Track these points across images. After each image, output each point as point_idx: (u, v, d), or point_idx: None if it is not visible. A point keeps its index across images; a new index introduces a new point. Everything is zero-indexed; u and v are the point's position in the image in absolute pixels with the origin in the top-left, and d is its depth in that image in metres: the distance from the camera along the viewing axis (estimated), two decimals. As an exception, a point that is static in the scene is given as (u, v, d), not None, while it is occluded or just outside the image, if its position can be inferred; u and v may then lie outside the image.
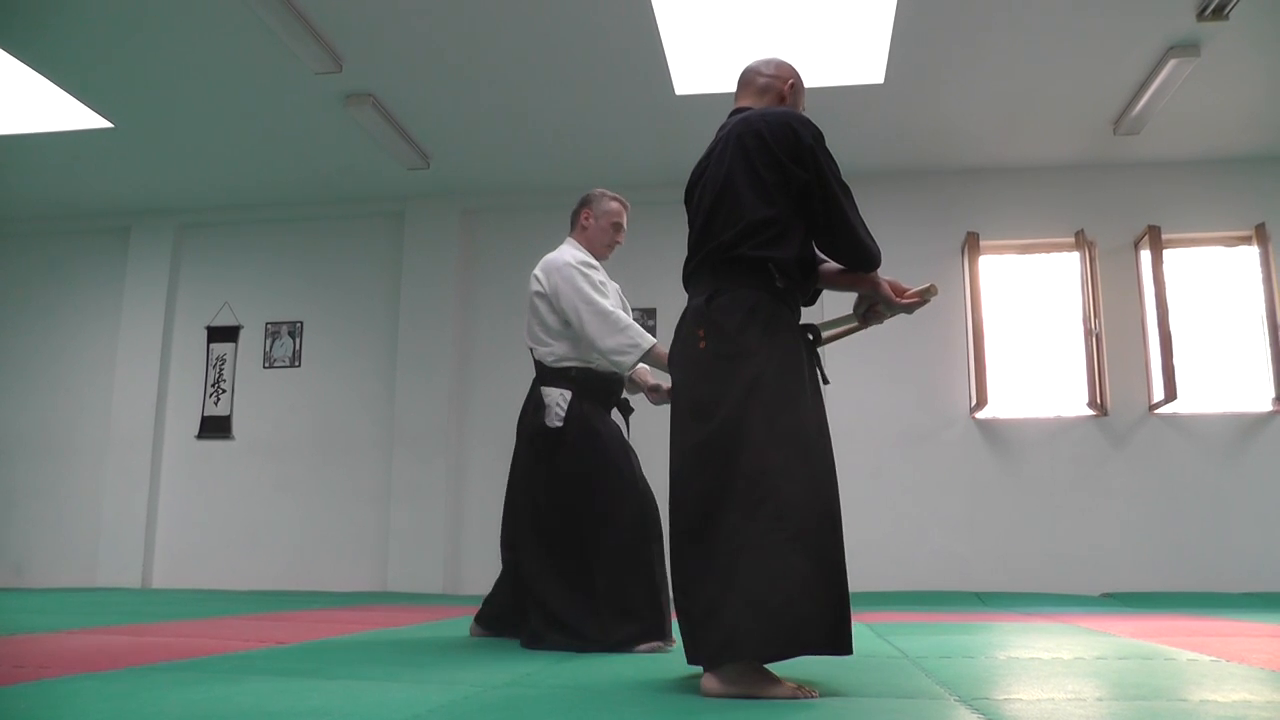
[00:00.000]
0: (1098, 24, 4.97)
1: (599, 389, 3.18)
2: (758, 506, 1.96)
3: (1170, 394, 6.03)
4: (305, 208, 7.58)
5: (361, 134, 6.21)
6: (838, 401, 6.41)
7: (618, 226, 3.35)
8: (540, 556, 3.07)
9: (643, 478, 3.09)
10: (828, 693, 2.02)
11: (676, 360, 2.27)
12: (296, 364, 7.44)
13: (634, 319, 3.16)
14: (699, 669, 2.09)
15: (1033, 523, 6.26)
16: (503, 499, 3.37)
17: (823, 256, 2.36)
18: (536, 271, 3.25)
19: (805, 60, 5.28)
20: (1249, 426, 6.22)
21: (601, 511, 2.98)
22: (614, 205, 3.35)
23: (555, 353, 3.17)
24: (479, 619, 3.38)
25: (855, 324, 2.48)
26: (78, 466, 7.51)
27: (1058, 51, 5.25)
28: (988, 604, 5.76)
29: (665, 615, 2.92)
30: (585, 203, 3.38)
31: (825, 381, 2.27)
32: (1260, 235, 6.35)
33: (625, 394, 3.32)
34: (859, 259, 2.26)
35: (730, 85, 2.51)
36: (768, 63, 2.44)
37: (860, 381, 6.48)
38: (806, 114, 2.31)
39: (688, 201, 2.40)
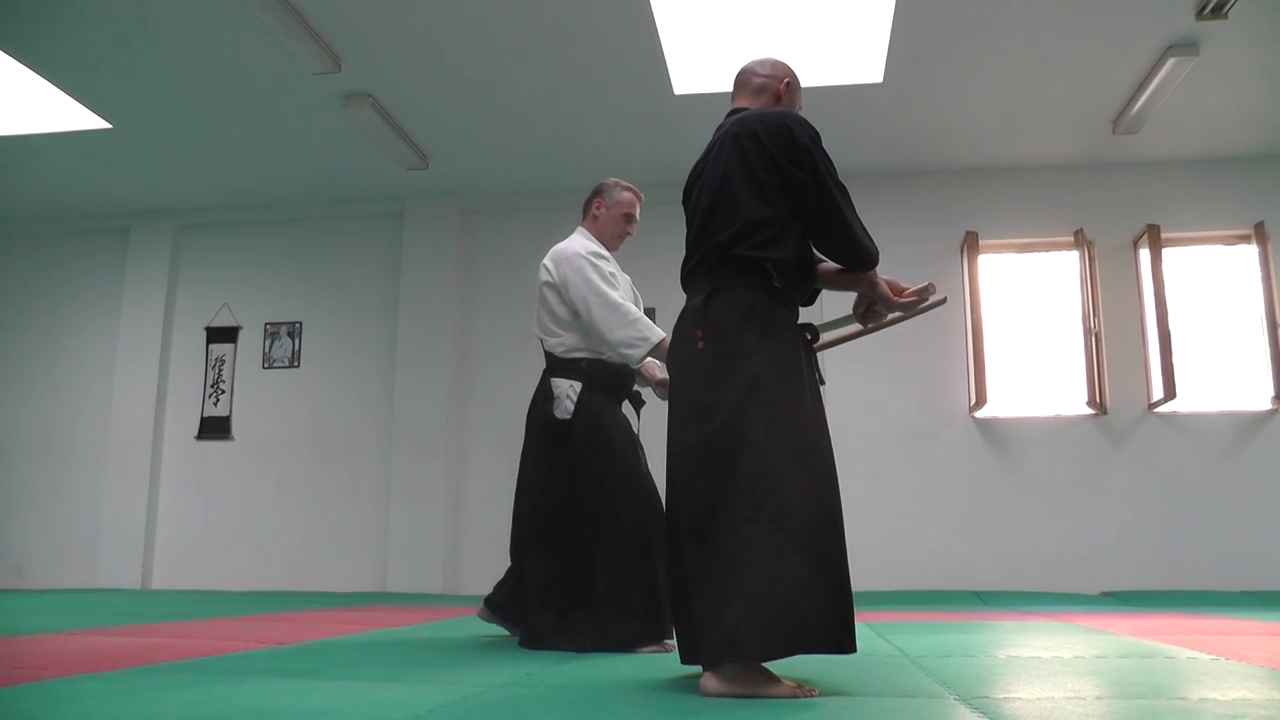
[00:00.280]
0: (1097, 23, 4.97)
1: (609, 381, 3.13)
2: (758, 507, 1.96)
3: (1169, 393, 6.03)
4: (304, 208, 7.58)
5: (360, 134, 6.21)
6: (838, 401, 6.41)
7: (629, 217, 3.30)
8: (542, 551, 3.05)
9: (649, 475, 3.05)
10: (828, 692, 2.02)
11: (675, 361, 2.27)
12: (296, 364, 7.44)
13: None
14: (699, 669, 2.09)
15: (1032, 522, 6.26)
16: (504, 499, 3.33)
17: (821, 256, 2.36)
18: (546, 261, 3.19)
19: (804, 60, 5.28)
20: (1248, 425, 6.23)
21: (606, 508, 2.96)
22: (626, 195, 3.30)
23: (565, 344, 3.12)
24: (488, 601, 3.32)
25: (857, 327, 2.47)
26: (77, 467, 7.51)
27: (1057, 51, 5.25)
28: (987, 603, 5.76)
29: (666, 616, 2.89)
30: (598, 192, 3.33)
31: (821, 382, 2.26)
32: (1259, 234, 6.35)
33: (636, 386, 3.28)
34: (856, 259, 2.26)
35: (729, 85, 2.51)
36: (763, 62, 2.44)
37: (860, 381, 6.48)
38: (803, 113, 2.31)
39: (686, 202, 2.40)
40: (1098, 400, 6.27)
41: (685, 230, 2.35)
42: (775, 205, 2.16)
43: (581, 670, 2.44)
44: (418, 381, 7.09)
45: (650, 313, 3.15)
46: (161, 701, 1.85)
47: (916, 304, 2.32)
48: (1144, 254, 6.48)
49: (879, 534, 6.28)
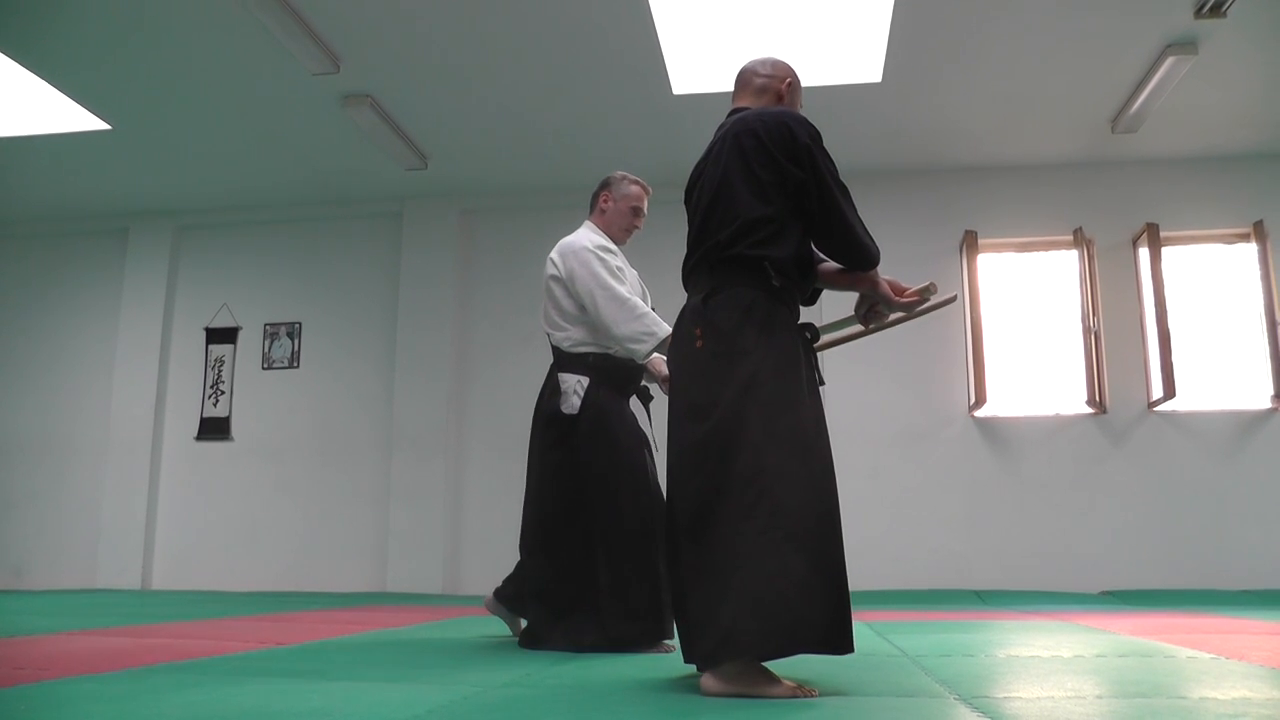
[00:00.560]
0: (1095, 22, 4.97)
1: (617, 376, 3.10)
2: (754, 505, 1.96)
3: (1169, 391, 6.03)
4: (303, 209, 7.57)
5: (359, 135, 6.21)
6: (837, 401, 6.41)
7: (637, 211, 3.27)
8: (543, 549, 3.05)
9: (655, 473, 3.02)
10: (827, 692, 2.02)
11: (674, 359, 2.27)
12: (295, 365, 7.44)
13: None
14: (699, 668, 2.10)
15: (1032, 521, 6.26)
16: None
17: (823, 256, 2.36)
18: (553, 255, 3.17)
19: (803, 59, 5.28)
20: (1248, 424, 6.23)
21: (608, 506, 2.94)
22: (634, 189, 3.28)
23: (572, 338, 3.09)
24: (497, 593, 3.31)
25: (859, 328, 2.47)
26: (77, 468, 7.51)
27: (1055, 50, 5.25)
28: (987, 602, 5.77)
29: (667, 616, 2.89)
30: (605, 185, 3.31)
31: (821, 382, 2.26)
32: (1258, 232, 6.35)
33: (644, 382, 3.26)
34: (857, 258, 2.26)
35: (728, 85, 2.51)
36: (764, 62, 2.43)
37: (859, 380, 6.48)
38: (803, 113, 2.31)
39: (687, 202, 2.40)
40: (1097, 399, 6.27)
41: (686, 230, 2.35)
42: (775, 204, 2.16)
43: (581, 670, 2.44)
44: (417, 382, 7.09)
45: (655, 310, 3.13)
46: (161, 702, 1.85)
47: (917, 304, 2.31)
48: (1143, 253, 6.48)
49: (878, 533, 6.28)
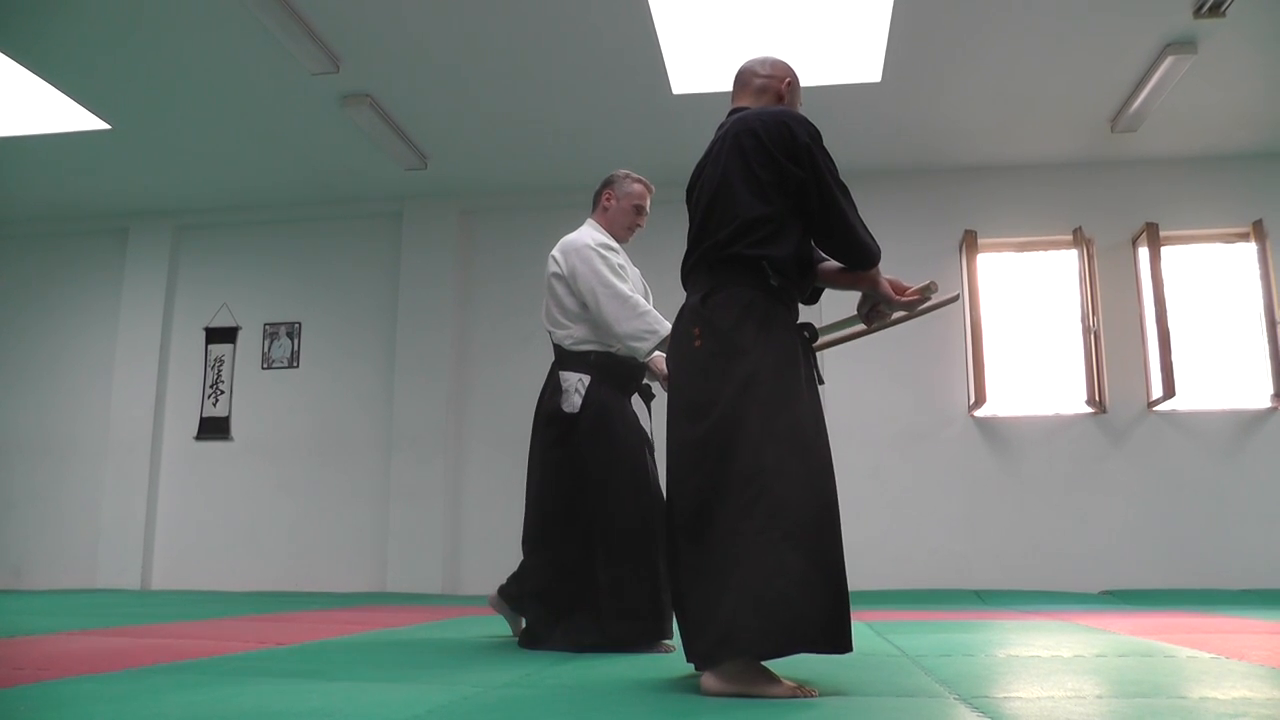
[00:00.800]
0: (1095, 22, 4.97)
1: (619, 374, 3.08)
2: (753, 504, 1.96)
3: (1169, 391, 6.03)
4: (303, 208, 7.57)
5: (359, 135, 6.21)
6: (836, 400, 6.41)
7: (640, 209, 3.26)
8: (543, 549, 3.04)
9: (656, 472, 3.01)
10: (827, 692, 2.02)
11: (672, 359, 2.27)
12: (295, 365, 7.44)
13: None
14: (698, 668, 2.10)
15: (1032, 521, 6.26)
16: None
17: (824, 255, 2.36)
18: (555, 252, 3.16)
19: (802, 59, 5.27)
20: (1248, 423, 6.23)
21: (609, 505, 2.93)
22: (637, 187, 3.27)
23: (574, 335, 3.08)
24: (501, 591, 3.30)
25: (861, 327, 2.47)
26: (77, 468, 7.51)
27: (1055, 49, 5.25)
28: (987, 602, 5.77)
29: (666, 616, 2.88)
30: (608, 183, 3.30)
31: (820, 382, 2.26)
32: (1258, 231, 6.35)
33: (645, 380, 3.25)
34: (857, 257, 2.26)
35: (728, 85, 2.51)
36: (764, 62, 2.43)
37: (859, 380, 6.48)
38: (803, 112, 2.31)
39: (689, 201, 2.40)
40: (1097, 399, 6.27)
41: (687, 229, 2.35)
42: (774, 203, 2.16)
43: (581, 670, 2.44)
44: (417, 382, 7.09)
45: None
46: (161, 702, 1.85)
47: (918, 303, 2.31)
48: (1143, 252, 6.48)
49: (878, 533, 6.28)
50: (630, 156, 6.48)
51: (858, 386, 6.48)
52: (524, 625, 3.12)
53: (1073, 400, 6.42)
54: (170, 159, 6.73)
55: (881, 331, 2.52)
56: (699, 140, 2.55)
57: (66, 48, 5.23)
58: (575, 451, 3.01)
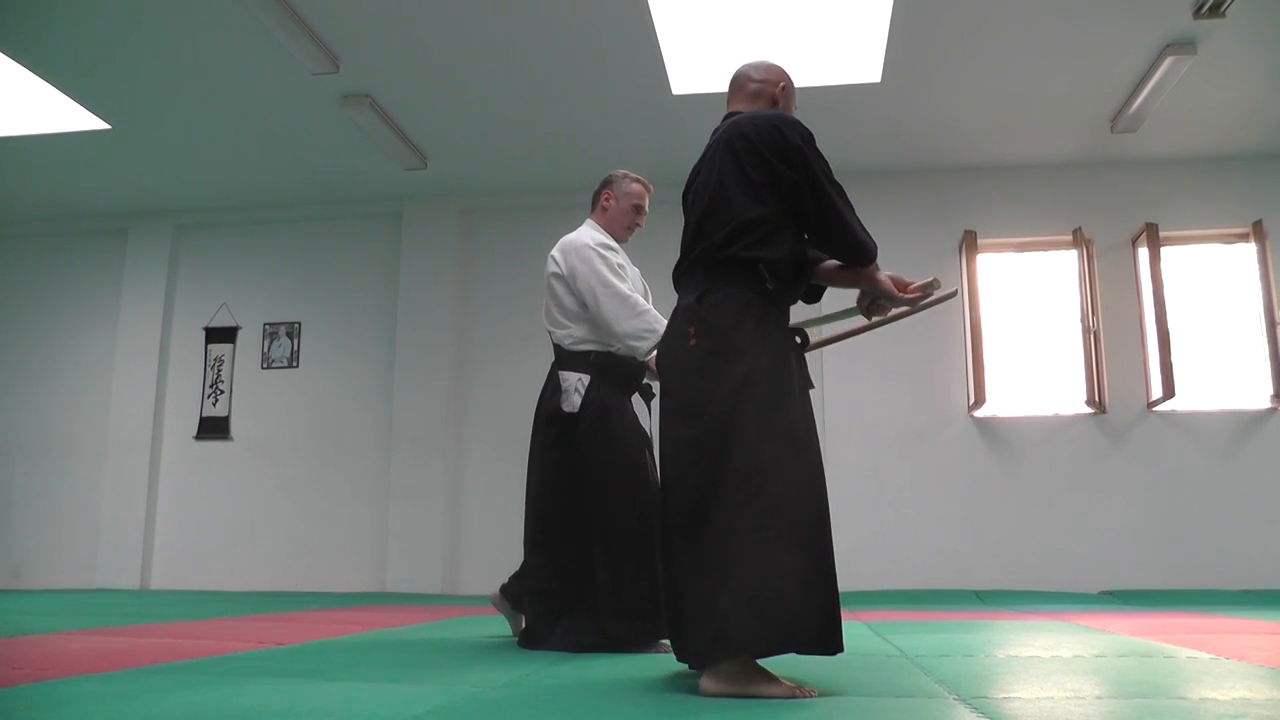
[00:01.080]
0: (1094, 22, 4.97)
1: (619, 373, 3.09)
2: (749, 503, 1.97)
3: (1168, 391, 6.03)
4: (303, 208, 7.57)
5: (359, 135, 6.21)
6: (836, 400, 6.41)
7: (639, 209, 3.27)
8: (542, 549, 3.05)
9: (655, 472, 2.99)
10: (826, 692, 2.02)
11: (666, 359, 2.27)
12: (294, 365, 7.44)
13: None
14: (692, 667, 2.11)
15: (1031, 521, 6.26)
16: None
17: (823, 255, 2.37)
18: (554, 252, 3.17)
19: (802, 59, 5.28)
20: (1247, 423, 6.23)
21: (608, 504, 2.93)
22: (636, 187, 3.28)
23: (574, 335, 3.09)
24: (504, 589, 3.31)
25: (862, 321, 2.47)
26: (76, 468, 7.50)
27: (1055, 49, 5.25)
28: (986, 602, 5.77)
29: (665, 615, 2.89)
30: (607, 183, 3.31)
31: (810, 385, 2.26)
32: (1257, 232, 6.35)
33: (646, 380, 3.25)
34: (855, 254, 2.27)
35: (727, 85, 2.52)
36: (758, 67, 2.46)
37: (858, 380, 6.48)
38: (798, 114, 2.32)
39: (684, 205, 2.41)
40: (1097, 399, 6.27)
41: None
42: (769, 205, 2.18)
43: (581, 670, 2.44)
44: (416, 382, 7.09)
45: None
46: (160, 702, 1.85)
47: (920, 299, 2.31)
48: (1143, 252, 6.48)
49: (877, 533, 6.28)
50: (630, 156, 6.48)
51: (857, 386, 6.48)
52: (524, 625, 3.12)
53: (1072, 400, 6.42)
54: (170, 159, 6.72)
55: (880, 330, 2.52)
56: (699, 140, 2.56)
57: (66, 48, 5.23)
58: (575, 451, 3.01)
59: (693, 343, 2.13)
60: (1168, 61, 5.19)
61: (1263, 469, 6.13)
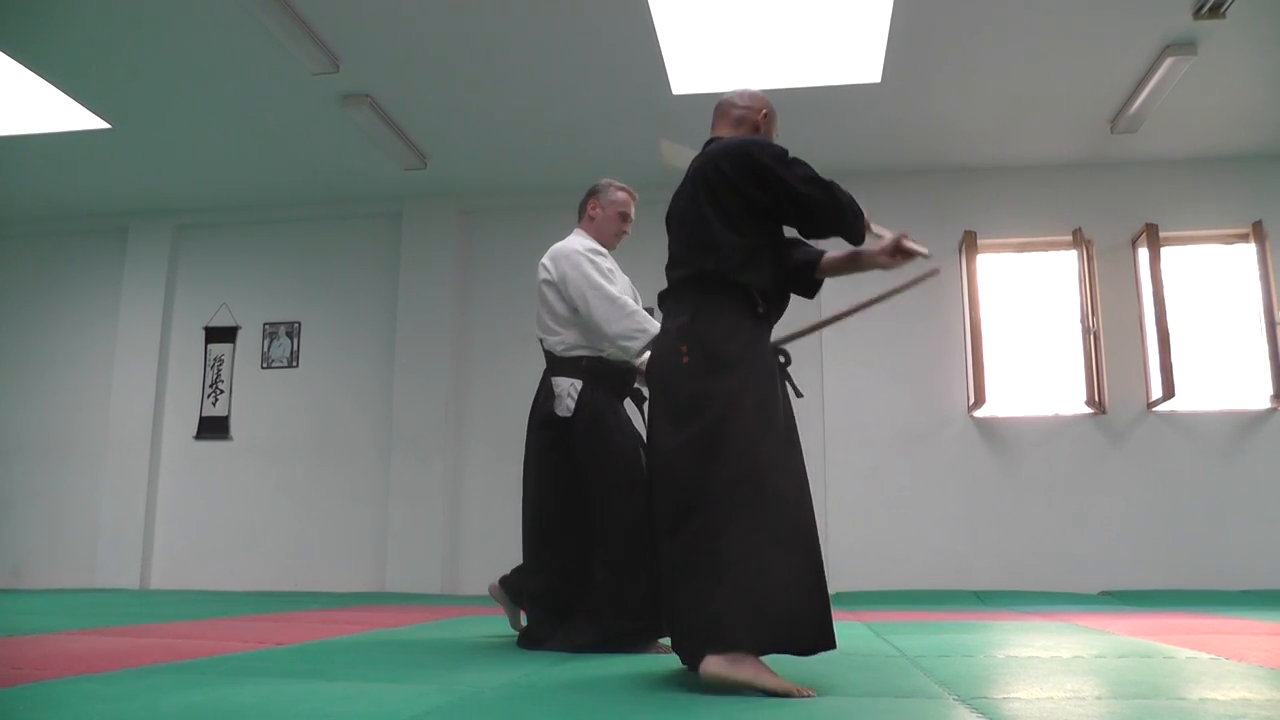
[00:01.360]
0: (1094, 22, 4.97)
1: (611, 378, 3.11)
2: (745, 504, 2.04)
3: (1168, 392, 6.03)
4: (303, 208, 7.57)
5: (359, 134, 6.21)
6: (836, 400, 6.41)
7: (625, 216, 3.31)
8: (541, 551, 3.06)
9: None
10: (826, 692, 2.02)
11: (656, 375, 2.31)
12: (294, 364, 7.44)
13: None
14: (698, 669, 2.11)
15: (1031, 521, 6.26)
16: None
17: (822, 249, 2.45)
18: (545, 260, 3.19)
19: (802, 59, 5.28)
20: (1247, 424, 6.23)
21: (605, 506, 2.95)
22: (621, 195, 3.32)
23: (565, 341, 3.11)
24: (503, 581, 3.33)
25: (846, 309, 2.61)
26: (76, 467, 7.50)
27: (1054, 50, 5.25)
28: (986, 603, 5.77)
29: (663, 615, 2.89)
30: (593, 193, 3.34)
31: (799, 394, 2.32)
32: (1257, 232, 6.35)
33: (636, 384, 3.25)
34: (852, 236, 2.36)
35: (728, 85, 2.56)
36: (742, 94, 2.55)
37: (859, 381, 6.48)
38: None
39: (668, 228, 2.46)
40: (1096, 399, 6.27)
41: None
42: (748, 233, 2.27)
43: (581, 670, 2.44)
44: (416, 381, 7.09)
45: (650, 313, 3.14)
46: (160, 702, 1.85)
47: (908, 260, 2.38)
48: (1142, 253, 6.48)
49: (877, 533, 6.28)
50: (630, 156, 6.48)
51: (857, 387, 6.48)
52: (524, 625, 3.13)
53: (1072, 401, 6.42)
54: (170, 159, 6.72)
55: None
56: (699, 140, 2.57)
57: (66, 47, 5.23)
58: (571, 455, 3.03)
59: (685, 360, 2.19)
60: (1168, 62, 5.19)
61: (1262, 469, 6.13)
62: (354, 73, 5.50)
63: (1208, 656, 2.74)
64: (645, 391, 3.25)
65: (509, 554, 3.36)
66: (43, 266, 7.91)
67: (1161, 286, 6.23)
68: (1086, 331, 6.40)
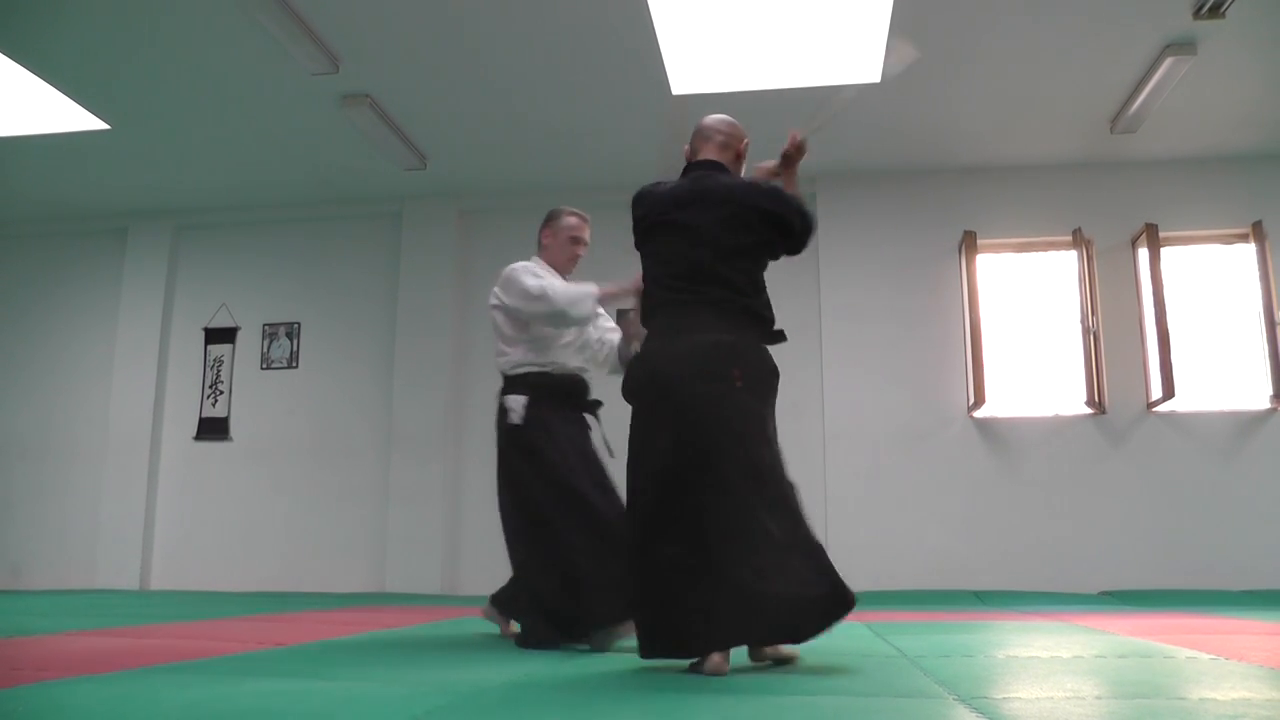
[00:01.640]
0: (1094, 23, 4.97)
1: (556, 391, 3.27)
2: (791, 511, 2.35)
3: (1168, 392, 6.03)
4: (302, 209, 7.57)
5: (358, 135, 6.21)
6: (836, 400, 6.42)
7: (575, 240, 3.45)
8: (516, 554, 3.22)
9: (599, 476, 3.15)
10: (826, 692, 2.02)
11: (704, 392, 2.39)
12: (294, 365, 7.44)
13: (632, 316, 3.26)
14: (695, 670, 2.20)
15: (1031, 521, 6.26)
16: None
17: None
18: (495, 287, 3.37)
19: (802, 59, 5.28)
20: (1247, 424, 6.23)
21: (563, 508, 3.07)
22: (570, 220, 3.47)
23: (512, 360, 3.29)
24: (493, 598, 3.43)
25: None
26: (76, 468, 7.50)
27: (1054, 50, 5.25)
28: (986, 603, 5.77)
29: (575, 614, 2.98)
30: (546, 221, 3.52)
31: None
32: (1257, 232, 6.35)
33: (619, 353, 3.41)
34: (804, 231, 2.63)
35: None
36: (723, 121, 2.73)
37: (858, 381, 6.48)
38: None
39: (662, 216, 2.57)
40: (1096, 400, 6.27)
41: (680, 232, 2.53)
42: (764, 269, 2.58)
43: (582, 670, 2.44)
44: (416, 382, 7.09)
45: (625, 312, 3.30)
46: (160, 702, 1.85)
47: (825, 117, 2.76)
48: (1142, 253, 6.48)
49: (877, 534, 6.28)
50: (630, 156, 6.50)
51: (857, 387, 6.48)
52: (517, 629, 3.24)
53: (1072, 401, 6.42)
54: (169, 159, 6.72)
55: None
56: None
57: (66, 48, 5.23)
58: (518, 463, 3.19)
59: (739, 384, 2.40)
60: (1167, 62, 5.19)
61: (1262, 469, 6.13)
62: (354, 73, 5.50)
63: (1208, 656, 2.74)
64: (606, 399, 3.40)
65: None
66: (42, 267, 7.91)
67: (1161, 286, 6.23)
68: (1086, 331, 6.40)
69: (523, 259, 3.44)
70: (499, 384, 3.34)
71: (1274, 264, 6.29)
